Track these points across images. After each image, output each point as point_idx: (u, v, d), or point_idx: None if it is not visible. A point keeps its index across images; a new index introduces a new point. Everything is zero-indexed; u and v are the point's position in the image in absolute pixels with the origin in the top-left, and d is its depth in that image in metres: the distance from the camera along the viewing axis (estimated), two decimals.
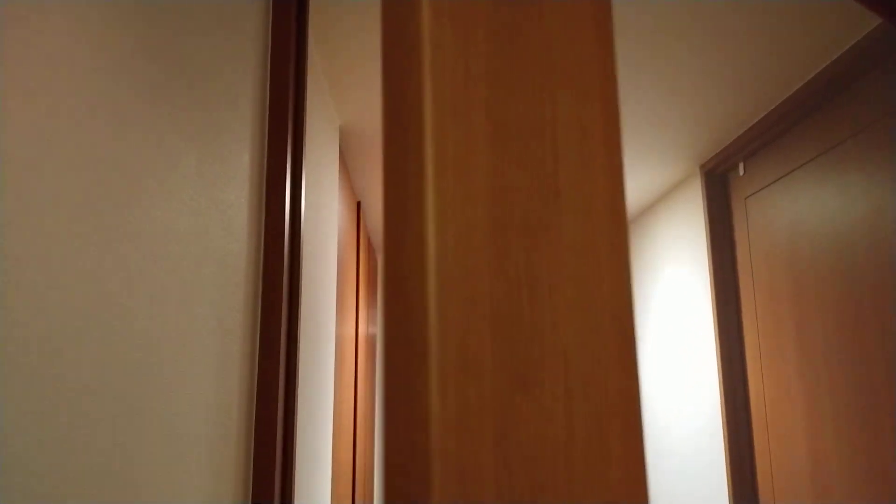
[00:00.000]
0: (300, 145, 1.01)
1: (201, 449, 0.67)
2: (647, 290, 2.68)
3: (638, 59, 1.46)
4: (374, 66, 1.49)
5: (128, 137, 0.52)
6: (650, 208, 2.62)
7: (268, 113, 0.96)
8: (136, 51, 0.53)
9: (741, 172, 1.97)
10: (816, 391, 1.60)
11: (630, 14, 1.29)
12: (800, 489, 1.67)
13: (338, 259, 1.85)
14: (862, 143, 1.45)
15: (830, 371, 1.55)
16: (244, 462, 0.82)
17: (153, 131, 0.56)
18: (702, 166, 2.12)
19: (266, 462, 0.85)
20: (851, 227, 1.48)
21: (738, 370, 1.98)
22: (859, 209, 1.45)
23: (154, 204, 0.56)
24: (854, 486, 1.46)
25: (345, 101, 1.67)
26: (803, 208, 1.67)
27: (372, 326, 3.21)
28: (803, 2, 1.26)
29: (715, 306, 2.03)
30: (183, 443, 0.62)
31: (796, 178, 1.70)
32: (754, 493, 1.89)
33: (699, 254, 2.18)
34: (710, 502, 2.08)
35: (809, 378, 1.63)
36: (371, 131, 1.87)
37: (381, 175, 1.60)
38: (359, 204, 2.43)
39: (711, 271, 2.05)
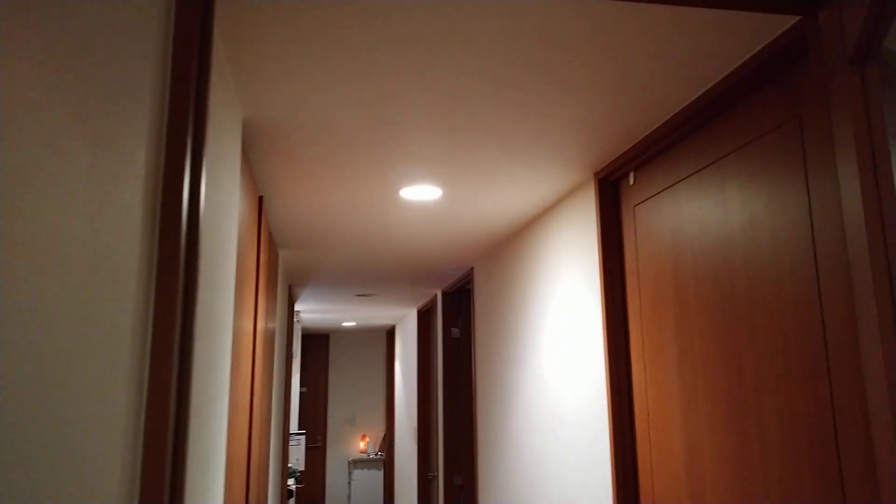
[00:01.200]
0: (201, 140, 0.99)
1: (91, 454, 0.65)
2: (543, 294, 2.78)
3: (541, 67, 1.52)
4: (282, 58, 1.47)
5: (13, 136, 0.50)
6: (548, 212, 2.71)
7: (168, 106, 0.94)
8: (27, 42, 0.51)
9: (632, 181, 2.08)
10: (692, 388, 1.72)
11: (532, 22, 1.34)
12: (676, 475, 1.79)
13: (238, 254, 1.81)
14: (741, 159, 1.57)
15: (706, 372, 1.67)
16: (132, 465, 0.80)
17: (42, 129, 0.54)
18: (596, 174, 2.23)
19: (156, 465, 0.84)
20: (728, 236, 1.60)
21: (623, 370, 2.09)
22: (736, 220, 1.57)
23: (43, 207, 0.54)
24: (722, 472, 1.59)
25: (250, 94, 1.64)
26: (686, 218, 1.78)
27: (271, 321, 3.16)
28: (695, 20, 1.35)
29: (604, 309, 2.14)
30: (72, 450, 0.60)
31: (681, 189, 1.82)
32: (636, 485, 2.01)
33: (592, 258, 2.28)
34: (595, 496, 2.19)
35: (687, 377, 1.75)
36: (276, 124, 1.84)
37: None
38: (261, 199, 2.38)
39: (602, 275, 2.16)
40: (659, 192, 1.93)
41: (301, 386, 8.94)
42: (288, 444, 5.28)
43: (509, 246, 3.28)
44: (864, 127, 1.12)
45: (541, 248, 2.81)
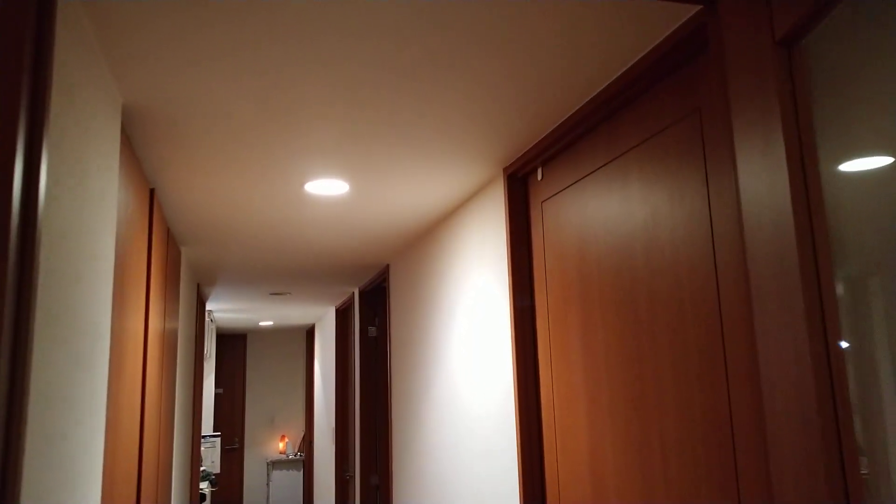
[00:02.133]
0: (39, 127, 0.87)
1: None
2: (455, 292, 2.73)
3: (441, 56, 1.46)
4: (164, 37, 1.35)
5: None
6: (460, 208, 2.66)
7: None
8: None
9: (539, 177, 2.05)
10: (597, 388, 1.70)
11: (432, 8, 1.27)
12: (580, 474, 1.77)
13: (119, 251, 1.67)
14: (644, 153, 1.55)
15: (609, 368, 1.65)
16: None
17: None
18: (505, 169, 2.19)
19: None
20: (631, 233, 1.58)
21: (530, 368, 2.06)
22: (638, 216, 1.55)
23: None
24: (624, 470, 1.57)
25: (128, 77, 1.50)
26: (591, 213, 1.76)
27: (171, 321, 2.99)
28: (600, 8, 1.31)
29: (512, 307, 2.10)
30: None
31: (586, 184, 1.79)
32: (542, 483, 1.98)
33: (503, 256, 2.24)
34: (503, 495, 2.16)
35: (591, 375, 1.73)
36: (165, 113, 1.70)
37: None
38: (152, 191, 2.23)
39: (510, 273, 2.12)
40: (565, 188, 1.91)
41: (216, 387, 8.63)
42: (199, 447, 5.07)
43: (423, 243, 3.22)
44: (790, 111, 1.11)
45: (453, 246, 2.76)
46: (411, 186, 2.41)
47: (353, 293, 5.22)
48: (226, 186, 2.32)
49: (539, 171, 2.06)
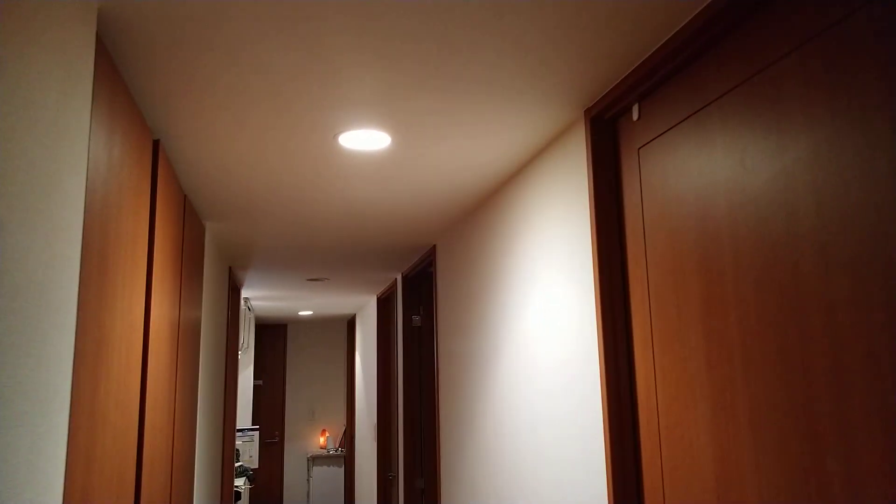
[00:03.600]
0: None
1: None
2: (523, 268, 2.29)
3: None
4: None
5: None
6: (528, 166, 2.22)
7: None
8: None
9: (635, 116, 1.60)
10: (730, 390, 1.25)
11: None
12: (699, 489, 1.32)
13: (98, 217, 1.29)
14: (799, 65, 1.10)
15: (748, 363, 1.20)
16: None
17: None
18: (587, 111, 1.74)
19: None
20: (790, 178, 1.13)
21: (622, 357, 1.62)
22: (802, 153, 1.10)
23: None
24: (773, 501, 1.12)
25: None
26: (719, 156, 1.31)
27: (191, 307, 2.63)
28: None
29: (597, 283, 1.66)
30: None
31: (711, 115, 1.34)
32: (639, 492, 1.54)
33: (583, 220, 1.80)
34: None
35: (720, 373, 1.28)
36: (166, 28, 1.31)
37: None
38: (157, 144, 1.85)
39: (594, 241, 1.68)
40: (674, 126, 1.45)
41: (256, 378, 8.36)
42: (232, 442, 4.76)
43: (481, 212, 2.79)
44: None
45: (518, 214, 2.32)
46: (466, 140, 1.98)
47: (396, 280, 4.82)
48: (247, 138, 1.93)
49: (635, 108, 1.60)
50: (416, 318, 4.48)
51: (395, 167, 2.22)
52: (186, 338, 2.48)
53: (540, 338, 2.08)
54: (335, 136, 1.91)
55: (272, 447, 8.36)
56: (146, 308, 1.77)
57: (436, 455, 3.48)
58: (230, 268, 4.15)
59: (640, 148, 1.60)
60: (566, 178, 1.89)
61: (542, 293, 2.06)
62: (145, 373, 1.74)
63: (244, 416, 7.31)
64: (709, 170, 1.33)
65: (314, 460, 8.28)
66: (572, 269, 1.85)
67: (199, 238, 2.85)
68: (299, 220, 2.98)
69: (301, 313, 7.43)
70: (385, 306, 5.57)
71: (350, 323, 8.17)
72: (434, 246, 3.58)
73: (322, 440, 8.41)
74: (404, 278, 4.51)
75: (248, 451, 7.01)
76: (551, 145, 2.00)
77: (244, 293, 5.50)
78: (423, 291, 4.52)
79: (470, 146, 2.03)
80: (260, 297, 5.88)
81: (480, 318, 2.72)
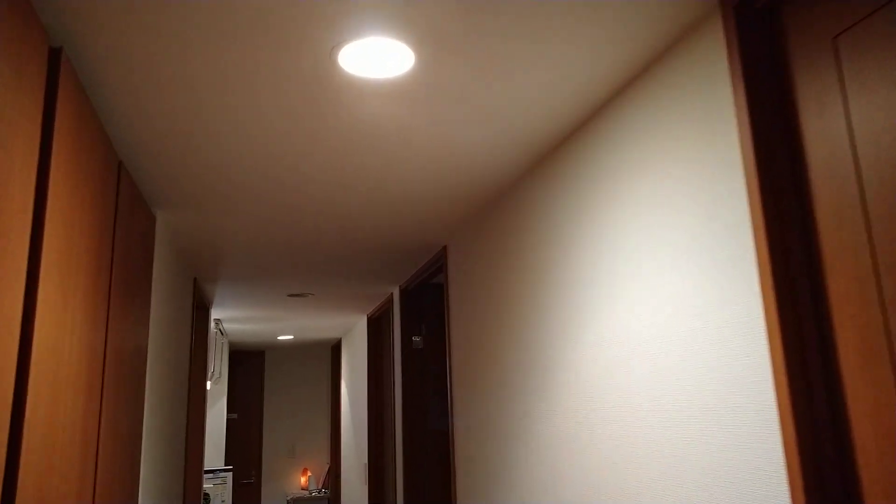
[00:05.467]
0: None
1: None
2: (600, 251, 1.66)
3: None
4: None
5: None
6: (630, 87, 1.59)
7: None
8: None
9: None
10: None
11: None
12: None
13: None
14: None
15: None
16: None
17: None
18: None
19: None
20: None
21: (819, 391, 0.98)
22: None
23: None
24: None
25: None
26: None
27: (127, 329, 1.96)
28: None
29: (771, 268, 1.03)
30: None
31: None
32: None
33: (726, 170, 1.17)
34: None
35: None
36: None
37: None
38: (58, 54, 1.19)
39: (755, 202, 1.05)
40: None
41: (230, 412, 7.58)
42: (199, 485, 4.03)
43: (522, 190, 2.15)
44: None
45: (597, 174, 1.69)
46: (526, 62, 1.34)
47: (391, 295, 4.15)
48: (198, 62, 1.28)
49: None
50: (416, 340, 3.80)
51: (419, 107, 1.57)
52: (119, 368, 1.80)
53: (639, 354, 1.43)
54: (332, 53, 1.27)
55: (247, 489, 7.54)
56: (24, 330, 1.09)
57: (451, 502, 2.80)
58: (195, 279, 3.46)
59: (836, 37, 0.97)
60: (687, 105, 1.26)
61: (645, 288, 1.41)
62: (18, 423, 1.06)
63: (216, 455, 6.53)
64: None
65: (295, 502, 7.47)
66: (708, 250, 1.21)
67: (147, 232, 2.17)
68: (277, 207, 2.32)
69: (280, 338, 6.70)
70: (377, 327, 4.88)
71: (335, 348, 7.44)
72: (444, 248, 2.92)
73: (303, 480, 7.61)
74: (402, 292, 3.84)
75: (220, 495, 6.22)
76: (657, 63, 1.37)
77: (214, 313, 4.79)
78: (426, 307, 3.85)
79: (531, 74, 1.39)
80: (234, 319, 5.16)
81: (519, 330, 2.06)
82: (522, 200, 2.05)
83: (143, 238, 2.09)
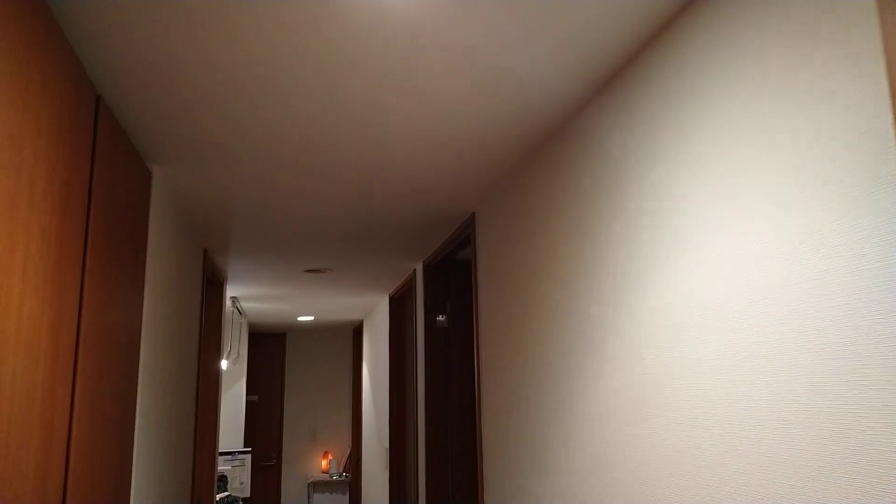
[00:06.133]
0: None
1: None
2: (674, 197, 1.39)
3: None
4: None
5: None
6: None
7: None
8: None
9: None
10: None
11: None
12: None
13: None
14: None
15: None
16: None
17: None
18: None
19: None
20: None
21: None
22: None
23: None
24: None
25: None
26: None
27: (115, 302, 1.73)
28: None
29: None
30: None
31: None
32: None
33: (862, 86, 0.89)
34: None
35: None
36: None
37: None
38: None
39: None
40: None
41: (250, 394, 7.43)
42: (213, 469, 3.86)
43: (566, 138, 1.88)
44: None
45: (673, 102, 1.42)
46: None
47: (414, 271, 3.90)
48: None
49: None
50: (441, 319, 3.55)
51: (442, 39, 1.31)
52: (99, 340, 1.57)
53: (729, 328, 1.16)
54: None
55: (268, 471, 7.40)
56: None
57: (477, 492, 2.56)
58: (205, 251, 3.24)
59: None
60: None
61: (734, 243, 1.13)
62: None
63: (234, 437, 6.38)
64: None
65: (315, 486, 7.31)
66: (843, 181, 0.93)
67: (139, 188, 1.94)
68: (287, 168, 2.07)
69: (301, 318, 6.51)
70: (399, 307, 4.64)
71: (357, 330, 7.23)
72: (472, 214, 2.66)
73: (324, 463, 7.45)
74: (426, 267, 3.59)
75: (239, 477, 6.06)
76: None
77: (230, 290, 4.58)
78: (452, 283, 3.59)
79: None
80: (251, 297, 4.96)
81: (563, 301, 1.80)
82: (573, 145, 1.77)
83: (133, 194, 1.85)
